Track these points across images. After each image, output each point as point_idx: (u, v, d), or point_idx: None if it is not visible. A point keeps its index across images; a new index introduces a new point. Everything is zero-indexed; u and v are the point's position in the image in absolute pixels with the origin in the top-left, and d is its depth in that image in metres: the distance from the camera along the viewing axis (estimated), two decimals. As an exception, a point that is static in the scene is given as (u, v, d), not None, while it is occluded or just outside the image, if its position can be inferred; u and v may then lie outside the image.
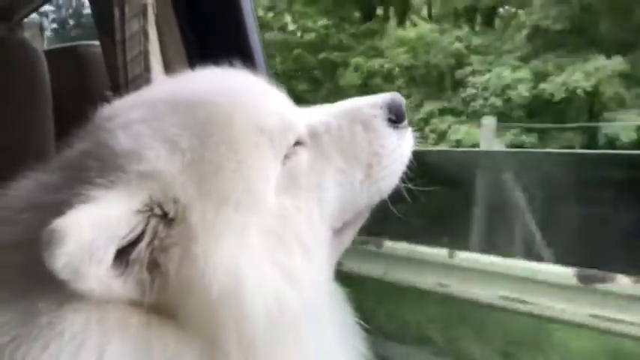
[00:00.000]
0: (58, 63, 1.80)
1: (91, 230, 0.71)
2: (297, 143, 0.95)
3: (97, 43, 1.80)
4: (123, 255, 0.77)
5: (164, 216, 0.79)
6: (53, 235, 0.69)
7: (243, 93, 0.95)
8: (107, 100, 0.97)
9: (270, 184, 0.87)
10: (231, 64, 1.04)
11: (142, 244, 0.78)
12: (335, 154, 0.98)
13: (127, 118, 0.87)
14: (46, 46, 3.61)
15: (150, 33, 1.57)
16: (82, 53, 1.92)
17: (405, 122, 1.05)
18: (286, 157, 0.92)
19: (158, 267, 0.78)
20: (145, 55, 1.56)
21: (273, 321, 0.79)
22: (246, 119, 0.89)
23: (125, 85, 1.57)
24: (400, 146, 1.03)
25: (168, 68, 1.65)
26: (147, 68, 1.56)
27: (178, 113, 0.86)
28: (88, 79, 1.78)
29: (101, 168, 0.81)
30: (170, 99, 0.90)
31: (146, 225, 0.78)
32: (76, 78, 1.83)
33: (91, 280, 0.73)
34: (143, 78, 1.56)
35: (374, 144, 1.01)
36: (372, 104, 1.03)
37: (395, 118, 1.03)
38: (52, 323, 0.73)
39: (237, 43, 1.67)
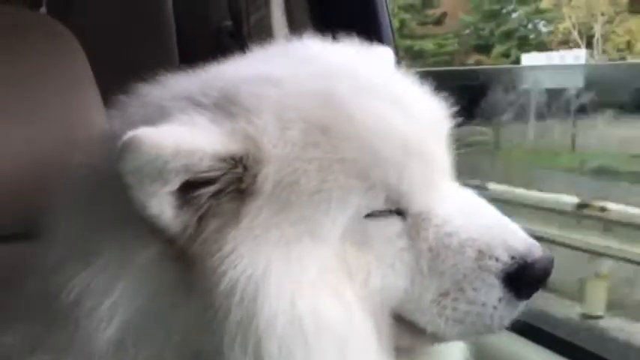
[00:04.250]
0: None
1: (171, 152, 0.71)
2: (398, 212, 0.83)
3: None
4: (188, 190, 0.76)
5: (239, 181, 0.77)
6: (132, 141, 0.70)
7: (401, 108, 0.85)
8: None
9: (337, 230, 0.79)
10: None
11: (210, 189, 0.76)
12: (425, 257, 0.83)
13: (261, 73, 0.85)
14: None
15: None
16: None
17: (526, 300, 0.85)
18: (371, 215, 0.81)
19: (205, 219, 0.77)
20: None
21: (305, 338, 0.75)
22: (367, 147, 0.79)
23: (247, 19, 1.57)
24: (497, 310, 0.83)
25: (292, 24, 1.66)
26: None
27: (307, 98, 0.81)
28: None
29: (216, 105, 0.80)
30: (309, 76, 0.85)
31: (222, 175, 0.76)
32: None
33: (150, 197, 0.73)
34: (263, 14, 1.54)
35: (467, 279, 0.83)
36: (507, 247, 0.82)
37: (518, 285, 0.82)
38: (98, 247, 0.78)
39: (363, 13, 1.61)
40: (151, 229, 0.76)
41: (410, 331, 0.86)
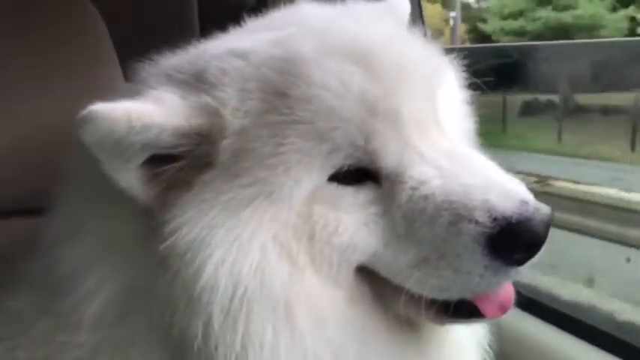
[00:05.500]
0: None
1: (124, 127, 0.72)
2: (372, 176, 0.80)
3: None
4: (156, 163, 0.77)
5: (204, 155, 0.77)
6: (87, 116, 0.72)
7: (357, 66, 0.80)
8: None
9: (300, 191, 0.77)
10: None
11: (177, 165, 0.77)
12: (400, 223, 0.79)
13: (231, 47, 0.85)
14: None
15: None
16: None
17: (519, 267, 0.77)
18: (342, 181, 0.79)
19: (170, 188, 0.78)
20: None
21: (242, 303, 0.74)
22: (324, 105, 0.77)
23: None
24: (484, 278, 0.76)
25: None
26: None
27: (267, 66, 0.80)
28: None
29: (186, 81, 0.81)
30: (274, 43, 0.83)
31: (189, 151, 0.77)
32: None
33: (116, 171, 0.75)
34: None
35: (448, 245, 0.76)
36: (488, 208, 0.74)
37: (503, 250, 0.74)
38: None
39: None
40: (132, 203, 0.78)
41: (393, 291, 0.81)
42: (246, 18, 0.99)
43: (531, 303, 0.82)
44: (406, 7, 1.04)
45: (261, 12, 1.03)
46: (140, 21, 1.68)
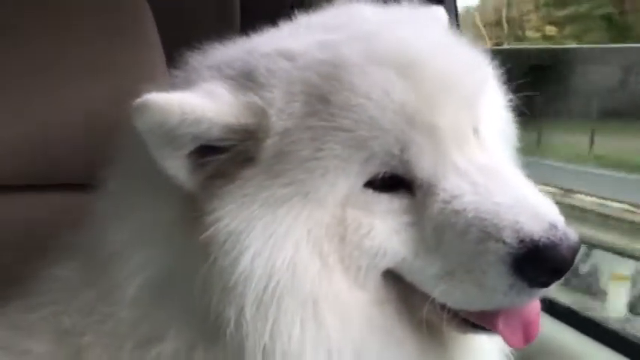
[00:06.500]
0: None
1: (177, 120, 0.76)
2: (406, 184, 0.82)
3: None
4: (202, 153, 0.80)
5: (247, 151, 0.80)
6: (142, 105, 0.75)
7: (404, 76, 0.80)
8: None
9: (336, 194, 0.79)
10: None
11: (222, 157, 0.80)
12: (430, 234, 0.80)
13: (279, 46, 0.86)
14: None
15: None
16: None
17: (543, 289, 0.78)
18: (377, 188, 0.81)
19: (212, 178, 0.80)
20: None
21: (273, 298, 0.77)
22: (364, 115, 0.78)
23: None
24: (507, 297, 0.78)
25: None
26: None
27: (313, 69, 0.81)
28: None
29: (236, 78, 0.83)
30: (321, 46, 0.84)
31: (234, 146, 0.80)
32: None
33: (165, 159, 0.79)
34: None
35: (474, 261, 0.78)
36: (517, 229, 0.75)
37: (529, 272, 0.76)
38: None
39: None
40: (178, 190, 0.81)
41: (419, 297, 0.83)
42: (295, 13, 0.99)
43: (555, 307, 0.82)
44: (445, 16, 1.05)
45: (300, 6, 1.04)
46: (183, 9, 1.72)
